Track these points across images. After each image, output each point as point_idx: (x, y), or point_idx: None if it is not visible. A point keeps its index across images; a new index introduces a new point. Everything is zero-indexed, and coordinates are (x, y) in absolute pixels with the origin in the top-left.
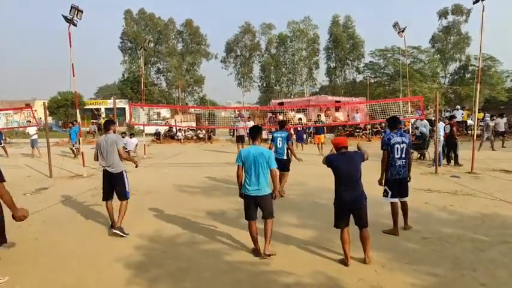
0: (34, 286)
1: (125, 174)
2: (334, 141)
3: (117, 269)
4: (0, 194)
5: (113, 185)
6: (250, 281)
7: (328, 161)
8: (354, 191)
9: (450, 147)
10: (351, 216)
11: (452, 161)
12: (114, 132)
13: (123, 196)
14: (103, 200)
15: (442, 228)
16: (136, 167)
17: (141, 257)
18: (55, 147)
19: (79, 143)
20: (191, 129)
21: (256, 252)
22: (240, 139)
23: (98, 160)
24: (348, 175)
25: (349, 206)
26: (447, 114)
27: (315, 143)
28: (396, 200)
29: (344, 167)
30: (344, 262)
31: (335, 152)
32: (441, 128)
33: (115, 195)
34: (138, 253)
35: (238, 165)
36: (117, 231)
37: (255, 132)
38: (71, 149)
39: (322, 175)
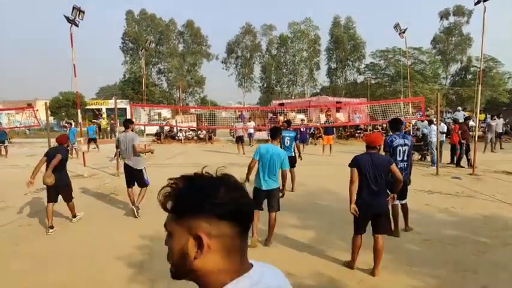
0: (34, 286)
1: (144, 170)
2: (366, 138)
3: (118, 268)
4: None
5: (133, 177)
6: None
7: (355, 162)
8: (377, 195)
9: (462, 149)
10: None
11: (465, 163)
12: (133, 130)
13: (143, 184)
14: (127, 187)
15: (443, 230)
16: (152, 153)
17: (142, 256)
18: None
19: (75, 143)
20: (192, 130)
21: (250, 242)
22: (239, 139)
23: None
24: (373, 178)
25: (371, 210)
26: (448, 115)
27: (323, 144)
28: (396, 202)
29: (370, 168)
30: (350, 265)
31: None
32: (443, 129)
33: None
34: (139, 252)
35: (254, 159)
36: (133, 208)
37: (275, 133)
38: (70, 148)
39: (322, 176)
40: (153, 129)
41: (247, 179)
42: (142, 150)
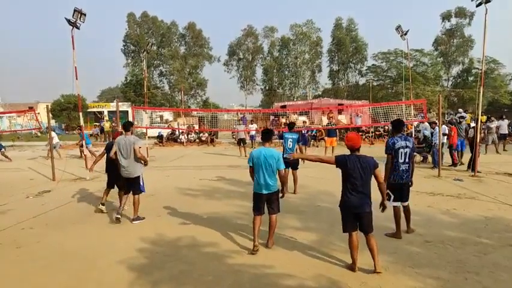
0: None
1: (141, 177)
2: (347, 142)
3: (119, 271)
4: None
5: (129, 184)
6: (252, 284)
7: (342, 160)
8: (361, 195)
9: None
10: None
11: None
12: (132, 133)
13: (137, 191)
14: (119, 190)
15: (445, 232)
16: (145, 165)
17: (143, 259)
18: (58, 150)
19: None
20: (194, 132)
21: (253, 249)
22: (241, 142)
23: (115, 157)
24: (360, 179)
25: (354, 209)
26: (450, 116)
27: (325, 146)
28: (398, 204)
29: (359, 170)
30: (351, 268)
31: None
32: (444, 130)
33: None
34: (140, 256)
35: (250, 166)
36: (135, 222)
37: (267, 135)
38: (89, 151)
39: (323, 178)
40: (155, 132)
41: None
42: (143, 157)
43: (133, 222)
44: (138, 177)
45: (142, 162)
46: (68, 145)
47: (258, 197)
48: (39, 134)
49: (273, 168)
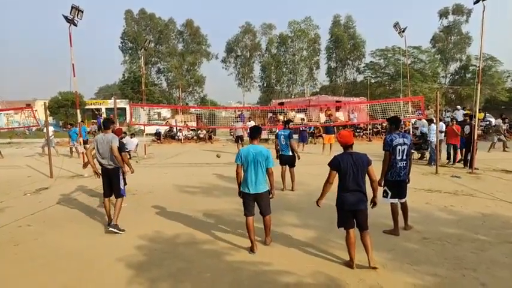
0: (35, 287)
1: (120, 171)
2: (340, 139)
3: (118, 269)
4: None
5: (110, 180)
6: (251, 281)
7: (335, 164)
8: (357, 193)
9: (468, 150)
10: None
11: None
12: (113, 131)
13: (118, 193)
14: (104, 196)
15: (442, 229)
16: (132, 172)
17: (142, 257)
18: (56, 147)
19: (77, 143)
20: (192, 129)
21: (251, 249)
22: (239, 139)
23: (92, 156)
24: (353, 176)
25: (350, 207)
26: (448, 114)
27: (323, 143)
28: (396, 200)
29: (352, 168)
30: (349, 265)
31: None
32: (441, 128)
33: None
34: (138, 253)
35: (237, 165)
36: (112, 229)
37: (254, 132)
38: (71, 148)
39: (322, 175)
40: (153, 129)
41: (240, 190)
42: (120, 157)
43: (109, 227)
44: (118, 170)
45: (124, 166)
46: (65, 142)
47: (246, 196)
48: (27, 132)
49: (262, 166)
